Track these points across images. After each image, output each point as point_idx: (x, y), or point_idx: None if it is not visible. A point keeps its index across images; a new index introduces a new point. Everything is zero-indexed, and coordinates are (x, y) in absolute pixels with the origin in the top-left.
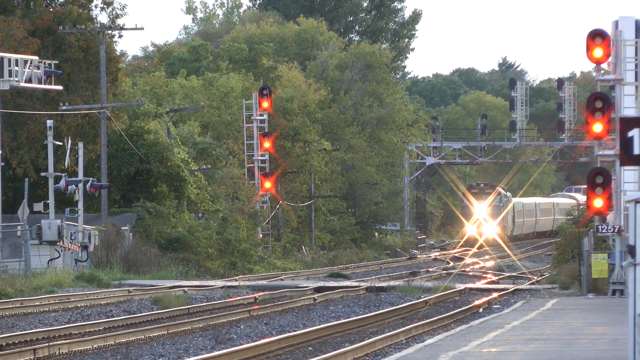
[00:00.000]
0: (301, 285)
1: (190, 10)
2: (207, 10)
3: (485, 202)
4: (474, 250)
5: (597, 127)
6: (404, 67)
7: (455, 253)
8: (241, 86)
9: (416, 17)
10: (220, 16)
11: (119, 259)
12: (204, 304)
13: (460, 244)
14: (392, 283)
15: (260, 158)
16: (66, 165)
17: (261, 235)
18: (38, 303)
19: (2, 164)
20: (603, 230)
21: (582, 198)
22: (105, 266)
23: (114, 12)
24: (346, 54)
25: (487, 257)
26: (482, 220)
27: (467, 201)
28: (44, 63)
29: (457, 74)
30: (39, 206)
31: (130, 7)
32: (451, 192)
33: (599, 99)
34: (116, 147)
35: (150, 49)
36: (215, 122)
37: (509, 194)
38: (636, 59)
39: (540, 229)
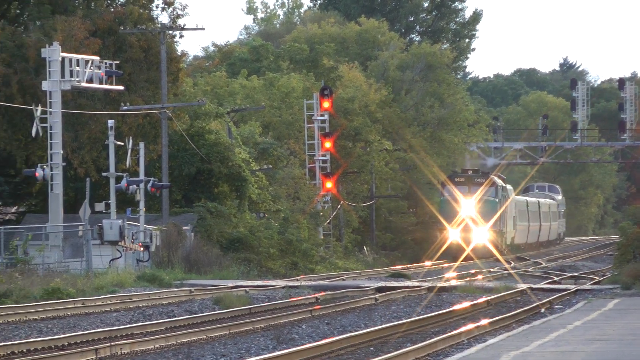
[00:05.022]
0: (362, 285)
1: (251, 10)
2: (268, 10)
3: (473, 196)
4: (456, 264)
5: None
6: (465, 67)
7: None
8: (302, 86)
9: (477, 17)
10: (281, 16)
11: (180, 259)
12: (266, 303)
13: (437, 255)
14: (453, 283)
15: (321, 158)
16: (127, 165)
17: (322, 236)
18: (100, 303)
19: (64, 164)
20: None
21: (558, 197)
22: (167, 266)
23: (174, 13)
24: (407, 54)
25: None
26: (469, 222)
27: (448, 195)
28: (105, 63)
29: (518, 74)
30: (100, 206)
31: (191, 8)
32: None
33: None
34: (177, 147)
35: (211, 49)
36: (276, 122)
37: (509, 186)
38: None
39: (544, 238)
